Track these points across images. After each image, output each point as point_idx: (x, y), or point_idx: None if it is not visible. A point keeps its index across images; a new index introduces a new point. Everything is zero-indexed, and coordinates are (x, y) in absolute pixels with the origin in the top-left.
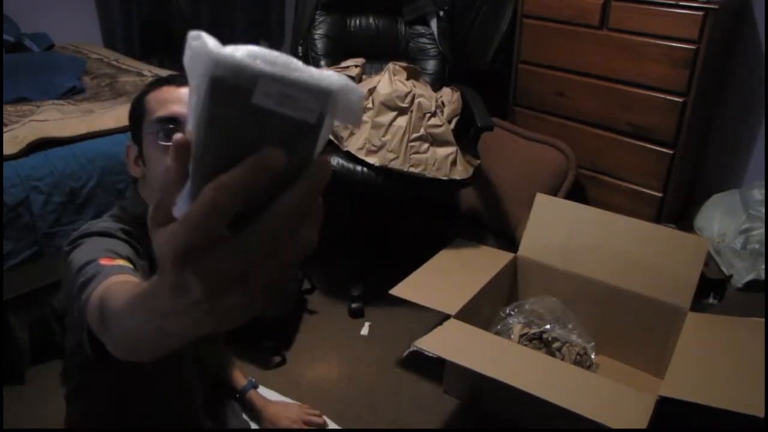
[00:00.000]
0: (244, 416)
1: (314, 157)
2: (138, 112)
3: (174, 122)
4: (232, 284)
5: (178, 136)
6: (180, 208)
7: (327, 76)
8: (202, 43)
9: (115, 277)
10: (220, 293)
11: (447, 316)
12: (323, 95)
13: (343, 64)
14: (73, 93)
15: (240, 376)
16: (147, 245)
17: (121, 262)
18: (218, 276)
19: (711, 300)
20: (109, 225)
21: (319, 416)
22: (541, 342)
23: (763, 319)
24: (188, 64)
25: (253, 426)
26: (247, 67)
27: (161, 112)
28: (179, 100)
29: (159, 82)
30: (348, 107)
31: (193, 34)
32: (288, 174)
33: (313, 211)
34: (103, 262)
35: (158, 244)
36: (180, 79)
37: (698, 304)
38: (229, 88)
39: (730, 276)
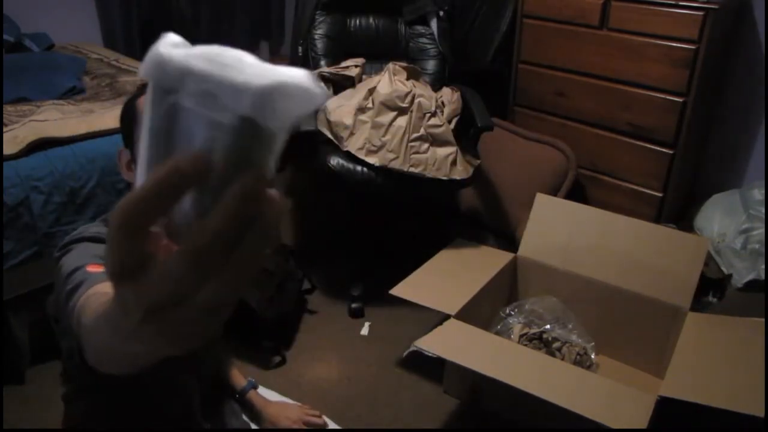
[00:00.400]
0: (244, 417)
1: (259, 165)
2: (130, 116)
3: None
4: (171, 304)
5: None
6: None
7: (265, 72)
8: (156, 45)
9: (96, 287)
10: (159, 313)
11: (447, 316)
12: (241, 94)
13: (343, 64)
14: (73, 93)
15: (239, 377)
16: None
17: None
18: (154, 295)
19: (711, 298)
20: (101, 230)
21: (319, 416)
22: (541, 342)
23: (763, 319)
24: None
25: (253, 427)
26: (176, 67)
27: None
28: None
29: None
30: (276, 108)
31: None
32: (227, 177)
33: (261, 220)
34: (91, 269)
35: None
36: None
37: (698, 302)
38: (163, 89)
39: (730, 275)
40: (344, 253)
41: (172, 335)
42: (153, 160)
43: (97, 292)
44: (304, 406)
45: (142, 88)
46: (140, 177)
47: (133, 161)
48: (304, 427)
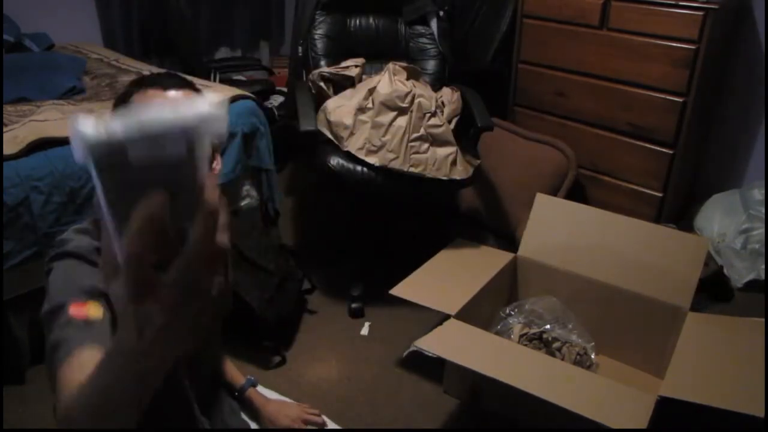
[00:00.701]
0: (243, 416)
1: (200, 174)
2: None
3: None
4: (185, 298)
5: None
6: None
7: (198, 109)
8: (77, 130)
9: (74, 365)
10: (175, 312)
11: (447, 316)
12: (185, 127)
13: (343, 64)
14: (73, 93)
15: (238, 375)
16: None
17: (90, 310)
18: (170, 297)
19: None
20: (82, 243)
21: (318, 415)
22: (541, 342)
23: (763, 319)
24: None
25: (252, 425)
26: (115, 134)
27: None
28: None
29: (144, 83)
30: (218, 124)
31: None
32: (190, 190)
33: (201, 207)
34: (73, 311)
35: (115, 294)
36: (166, 81)
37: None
38: (109, 162)
39: (721, 267)
40: (344, 253)
41: (186, 327)
42: (124, 210)
43: (74, 378)
44: (304, 404)
45: (135, 86)
46: (112, 229)
47: None
48: (304, 426)
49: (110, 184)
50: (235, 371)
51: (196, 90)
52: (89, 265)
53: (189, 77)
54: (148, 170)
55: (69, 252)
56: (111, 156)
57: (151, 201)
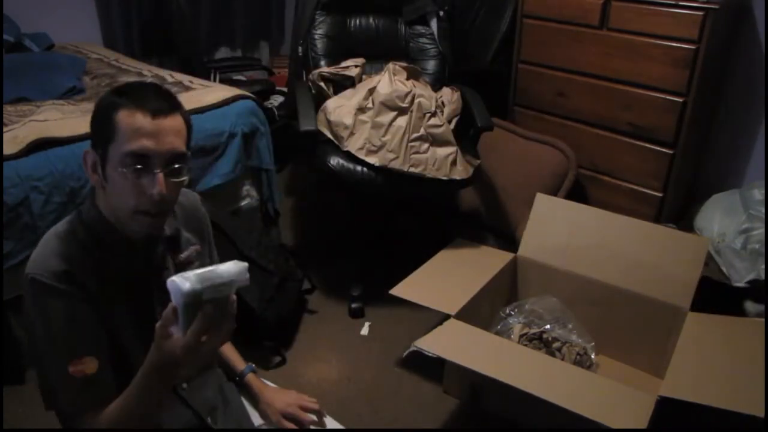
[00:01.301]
0: (243, 399)
1: (231, 298)
2: (105, 125)
3: (144, 160)
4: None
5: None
6: (175, 331)
7: (234, 270)
8: (176, 284)
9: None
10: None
11: (447, 316)
12: (232, 280)
13: (343, 64)
14: (73, 93)
15: (240, 360)
16: (100, 255)
17: (88, 367)
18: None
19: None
20: (56, 268)
21: (315, 403)
22: (541, 342)
23: (763, 319)
24: (172, 289)
25: (250, 409)
26: (198, 288)
27: (133, 146)
28: (154, 134)
29: (130, 101)
30: (243, 277)
31: (173, 279)
32: (223, 306)
33: (229, 312)
34: (73, 370)
35: (169, 345)
36: (153, 103)
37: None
38: (193, 301)
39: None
40: (344, 253)
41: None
42: (192, 318)
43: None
44: (302, 394)
45: (121, 97)
46: (186, 322)
47: (101, 165)
48: (300, 412)
49: (189, 310)
50: (236, 357)
51: (183, 113)
52: (65, 300)
53: (181, 76)
54: (208, 300)
55: (45, 285)
56: (194, 298)
57: (208, 314)
